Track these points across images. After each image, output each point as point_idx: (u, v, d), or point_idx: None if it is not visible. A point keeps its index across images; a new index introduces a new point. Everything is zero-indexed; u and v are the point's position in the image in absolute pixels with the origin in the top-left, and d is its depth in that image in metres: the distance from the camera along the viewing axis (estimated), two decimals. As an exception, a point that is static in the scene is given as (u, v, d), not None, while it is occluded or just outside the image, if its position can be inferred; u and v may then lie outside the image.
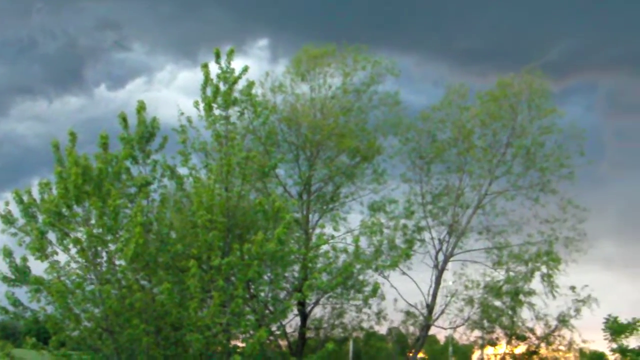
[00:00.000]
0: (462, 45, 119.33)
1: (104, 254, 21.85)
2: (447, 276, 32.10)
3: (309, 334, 30.52)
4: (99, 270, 21.68)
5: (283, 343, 29.29)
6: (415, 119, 31.25)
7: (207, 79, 23.59)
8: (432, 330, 33.49)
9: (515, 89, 30.76)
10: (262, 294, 24.02)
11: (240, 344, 23.30)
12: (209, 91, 23.64)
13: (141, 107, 23.19)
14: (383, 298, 30.23)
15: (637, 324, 41.24)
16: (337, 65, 30.26)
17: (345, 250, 27.04)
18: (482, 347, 36.17)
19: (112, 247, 21.64)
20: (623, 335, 40.01)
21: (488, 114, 30.63)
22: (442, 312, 31.29)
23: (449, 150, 31.06)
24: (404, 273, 30.28)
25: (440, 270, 31.05)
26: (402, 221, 30.13)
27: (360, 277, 28.33)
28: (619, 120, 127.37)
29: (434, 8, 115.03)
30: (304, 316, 29.47)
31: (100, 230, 21.17)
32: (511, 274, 31.21)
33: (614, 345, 39.50)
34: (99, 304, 21.24)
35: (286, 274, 26.07)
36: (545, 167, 30.30)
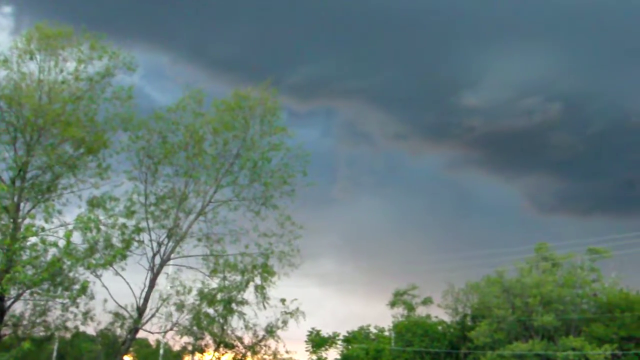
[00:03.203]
0: (219, 52, 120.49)
1: None
2: (162, 280, 31.79)
3: (5, 331, 28.38)
4: None
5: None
6: (149, 117, 30.58)
7: None
8: (145, 334, 32.98)
9: (250, 102, 31.44)
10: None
11: None
12: None
13: None
14: (92, 297, 29.07)
15: (337, 338, 44.50)
16: (72, 50, 28.66)
17: (55, 245, 25.54)
18: (191, 353, 36.22)
19: None
20: (323, 348, 42.94)
21: (221, 123, 30.96)
22: (153, 315, 30.82)
23: (178, 153, 30.81)
24: (117, 273, 29.27)
25: (155, 274, 30.56)
26: (122, 220, 29.13)
27: (70, 274, 27.06)
28: (352, 147, 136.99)
29: (197, 11, 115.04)
30: (1, 311, 27.32)
31: None
32: (226, 282, 31.69)
33: (314, 357, 42.21)
34: None
35: (-14, 265, 24.02)
36: (269, 182, 31.29)
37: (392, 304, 65.25)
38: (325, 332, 45.10)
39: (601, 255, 57.69)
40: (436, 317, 64.69)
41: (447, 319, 64.15)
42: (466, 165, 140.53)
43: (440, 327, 63.19)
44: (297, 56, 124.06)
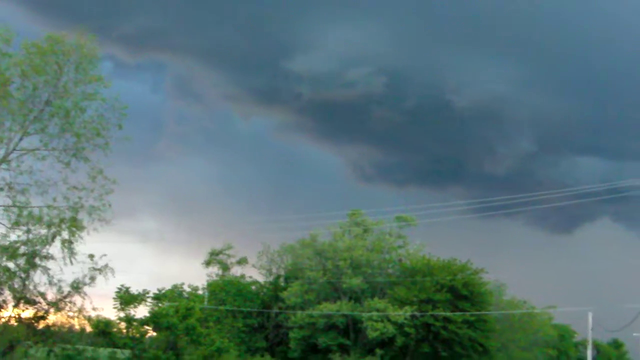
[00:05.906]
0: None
1: None
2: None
3: None
4: None
5: None
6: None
7: None
8: None
9: (65, 47, 29.69)
10: None
11: None
12: None
13: None
14: None
15: (147, 295, 43.86)
16: None
17: None
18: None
19: None
20: (132, 305, 42.18)
21: (31, 66, 28.97)
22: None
23: (-19, 96, 28.57)
24: None
25: (-53, 225, 28.44)
26: None
27: None
28: (182, 104, 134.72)
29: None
30: None
31: None
32: (30, 235, 30.31)
33: (122, 314, 41.44)
34: None
35: None
36: (81, 133, 29.85)
37: (207, 263, 65.31)
38: (138, 289, 44.66)
39: (408, 223, 61.16)
40: (250, 277, 65.66)
41: (261, 279, 65.32)
42: (294, 131, 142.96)
43: (253, 287, 64.18)
44: (128, 5, 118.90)
